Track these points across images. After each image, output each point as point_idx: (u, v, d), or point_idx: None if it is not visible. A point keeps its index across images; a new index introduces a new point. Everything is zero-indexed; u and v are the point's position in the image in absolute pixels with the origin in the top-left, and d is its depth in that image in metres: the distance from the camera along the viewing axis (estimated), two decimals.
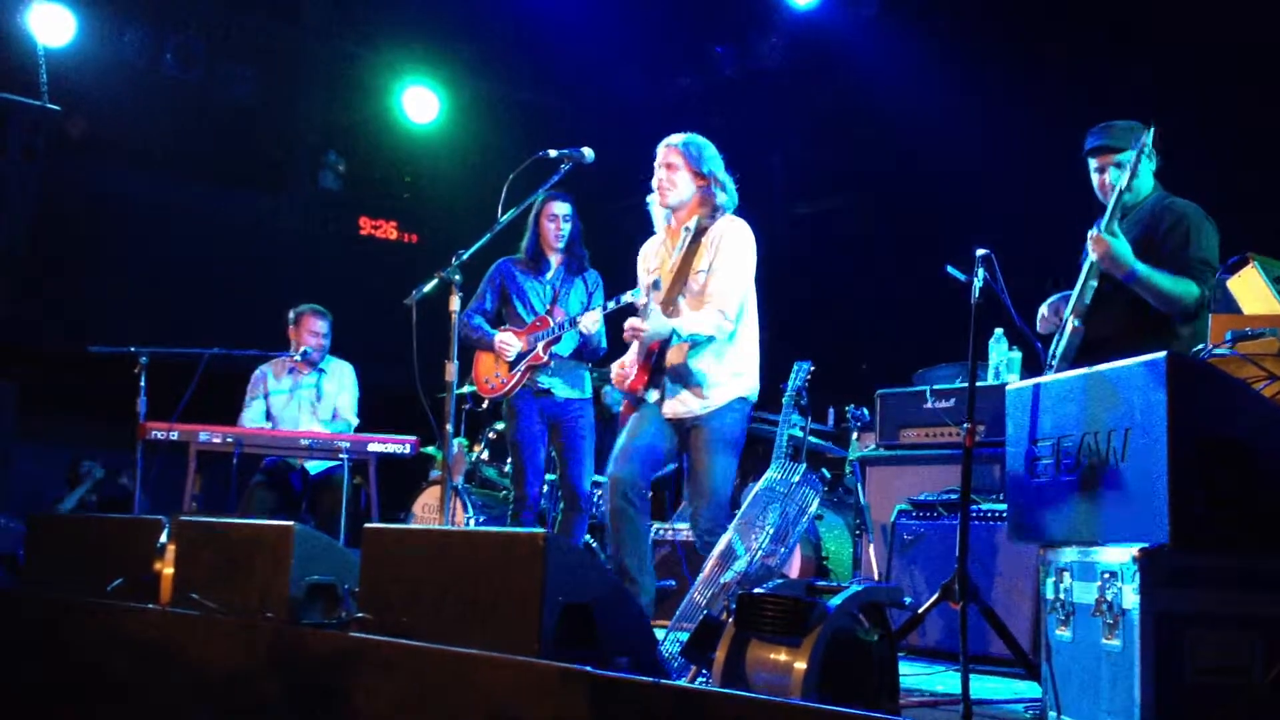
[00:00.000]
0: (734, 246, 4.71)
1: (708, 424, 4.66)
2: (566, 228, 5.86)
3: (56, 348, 8.89)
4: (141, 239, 9.93)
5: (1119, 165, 4.38)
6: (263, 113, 10.43)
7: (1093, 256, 4.26)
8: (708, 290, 4.68)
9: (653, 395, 4.76)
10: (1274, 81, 6.47)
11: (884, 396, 5.96)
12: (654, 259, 4.97)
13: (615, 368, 4.96)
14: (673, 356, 4.70)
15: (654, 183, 4.84)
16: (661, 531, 6.87)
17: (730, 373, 4.71)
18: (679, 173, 4.77)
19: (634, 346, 4.88)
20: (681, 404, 4.70)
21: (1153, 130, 4.29)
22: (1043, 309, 4.60)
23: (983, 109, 7.87)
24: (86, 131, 9.05)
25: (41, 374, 9.13)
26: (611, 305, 5.30)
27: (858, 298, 8.76)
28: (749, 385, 4.77)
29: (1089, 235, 4.29)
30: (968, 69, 8.02)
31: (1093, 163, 4.53)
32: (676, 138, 4.84)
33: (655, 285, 4.80)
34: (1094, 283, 4.27)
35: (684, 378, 4.68)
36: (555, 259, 5.93)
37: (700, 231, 4.77)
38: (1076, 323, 4.25)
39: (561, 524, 5.78)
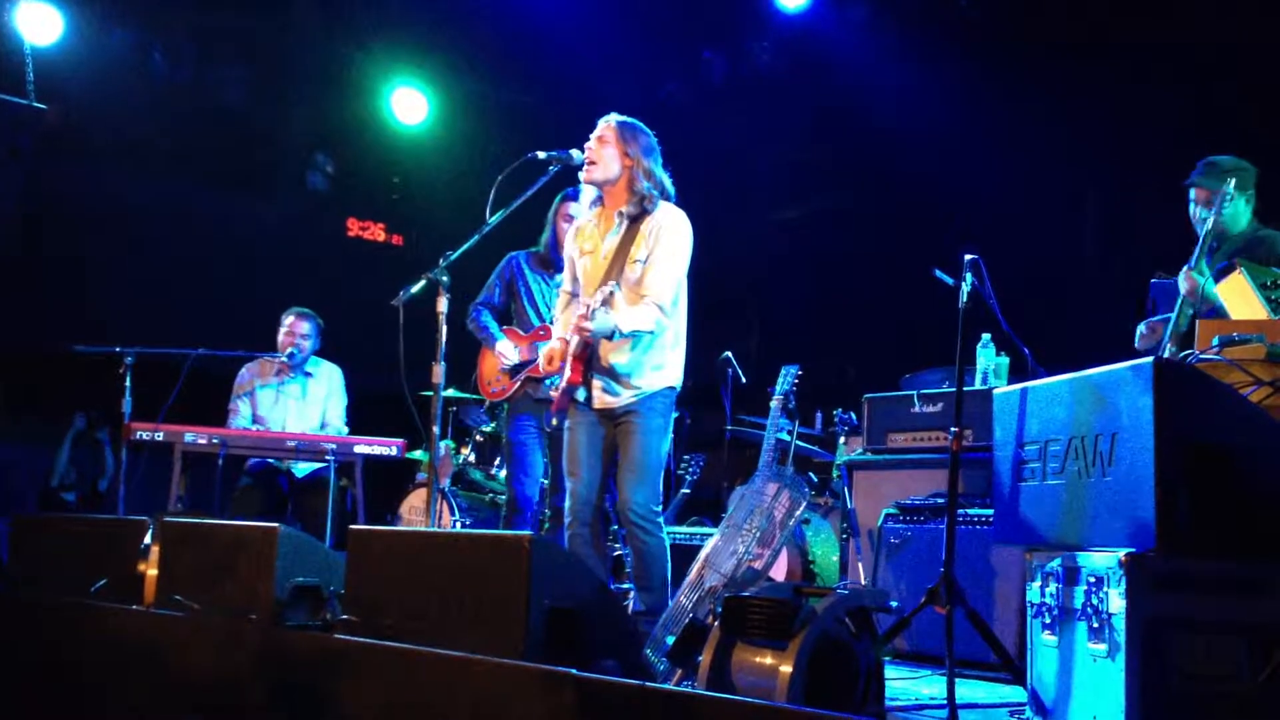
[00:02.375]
0: (672, 238, 4.60)
1: (638, 409, 4.60)
2: None
3: (41, 348, 8.84)
4: (128, 239, 9.90)
5: (1210, 203, 4.73)
6: (251, 113, 10.40)
7: (1183, 291, 4.59)
8: (645, 283, 4.58)
9: (581, 393, 4.67)
10: (1266, 84, 6.50)
11: (871, 401, 5.96)
12: (586, 238, 4.83)
13: (543, 353, 4.86)
14: (605, 351, 4.61)
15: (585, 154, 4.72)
16: None
17: (655, 364, 4.64)
18: (607, 148, 4.64)
19: (561, 337, 4.79)
20: (611, 395, 4.62)
21: (1234, 181, 4.66)
22: (1141, 327, 4.93)
23: (972, 113, 7.88)
24: (64, 125, 8.96)
25: (26, 374, 9.10)
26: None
27: (845, 302, 8.77)
28: (675, 376, 4.71)
29: (1182, 272, 4.61)
30: (957, 73, 8.03)
31: (1191, 194, 4.91)
32: (616, 116, 4.73)
33: (574, 293, 4.72)
34: (1190, 310, 4.57)
35: (612, 371, 4.61)
36: None
37: (636, 219, 4.66)
38: (1174, 348, 4.53)
39: (548, 532, 5.74)
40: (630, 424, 4.59)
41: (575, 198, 5.70)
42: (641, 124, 4.75)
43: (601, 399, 4.62)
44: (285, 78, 10.50)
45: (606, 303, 4.49)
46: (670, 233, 4.60)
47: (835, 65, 8.83)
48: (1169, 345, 4.56)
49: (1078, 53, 7.54)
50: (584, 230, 4.86)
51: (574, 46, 9.38)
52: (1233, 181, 4.64)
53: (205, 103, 10.07)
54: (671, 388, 4.69)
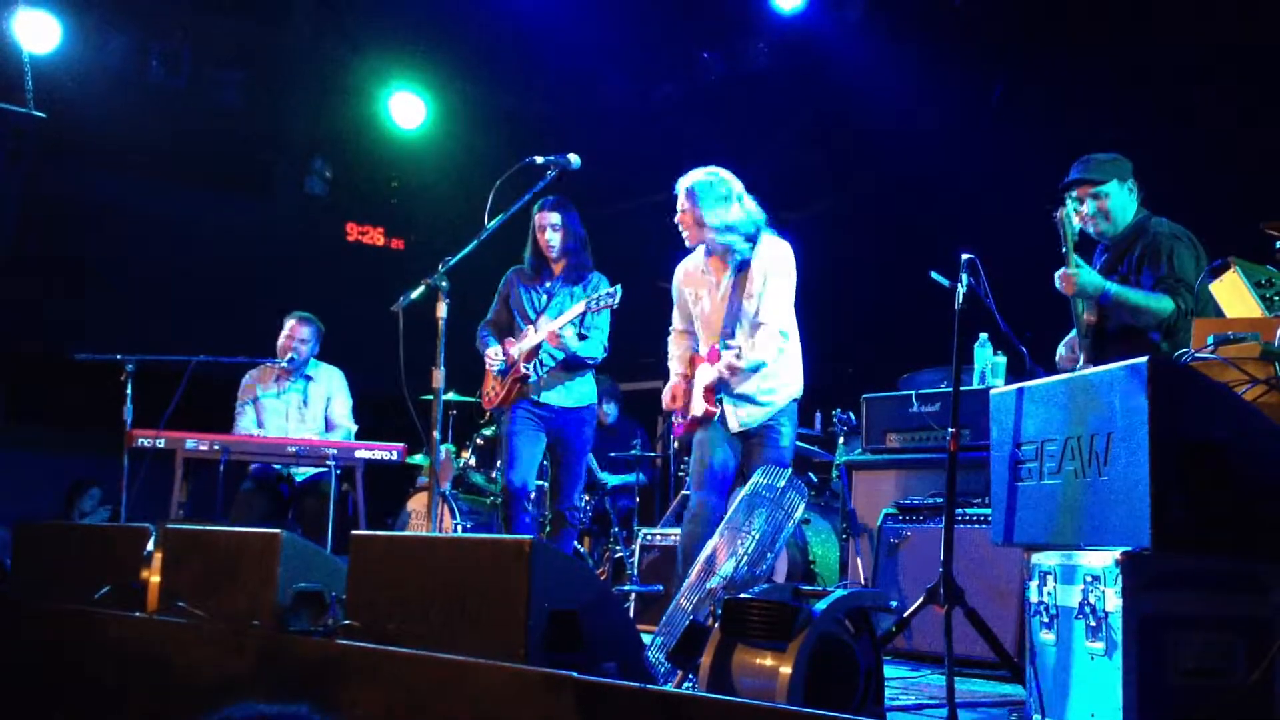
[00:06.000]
0: (778, 270, 4.96)
1: (769, 430, 4.93)
2: (556, 237, 5.77)
3: (42, 355, 8.86)
4: (127, 245, 9.91)
5: (1096, 197, 4.66)
6: (249, 118, 10.39)
7: (1064, 290, 4.50)
8: (761, 314, 4.90)
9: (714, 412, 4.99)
10: (1254, 85, 6.50)
11: (870, 401, 5.98)
12: (699, 283, 5.12)
13: (666, 396, 5.17)
14: (736, 378, 4.92)
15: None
16: (650, 537, 6.88)
17: (782, 382, 4.96)
18: (687, 219, 4.98)
19: (680, 374, 5.15)
20: (747, 415, 4.93)
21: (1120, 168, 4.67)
22: (1061, 349, 4.85)
23: (967, 113, 7.89)
24: (63, 132, 8.96)
25: (26, 382, 9.11)
26: (583, 308, 5.44)
27: (843, 302, 8.77)
28: (798, 388, 5.04)
29: (1056, 276, 4.50)
30: (952, 74, 8.04)
31: (1071, 195, 4.72)
32: (687, 181, 4.99)
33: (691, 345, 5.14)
34: (1084, 312, 4.54)
35: (745, 394, 4.92)
36: (556, 267, 5.85)
37: (745, 262, 4.97)
38: (1084, 354, 4.52)
39: (549, 536, 5.75)
40: (763, 439, 4.93)
41: (550, 207, 5.78)
42: (713, 174, 5.00)
43: (736, 420, 4.94)
44: (283, 83, 10.49)
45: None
46: (777, 264, 4.96)
47: (831, 66, 8.83)
48: (1077, 353, 4.55)
49: (1073, 52, 7.55)
50: (693, 274, 5.18)
51: (571, 50, 9.39)
52: (1114, 175, 4.63)
53: (203, 108, 10.06)
54: (795, 399, 5.04)
